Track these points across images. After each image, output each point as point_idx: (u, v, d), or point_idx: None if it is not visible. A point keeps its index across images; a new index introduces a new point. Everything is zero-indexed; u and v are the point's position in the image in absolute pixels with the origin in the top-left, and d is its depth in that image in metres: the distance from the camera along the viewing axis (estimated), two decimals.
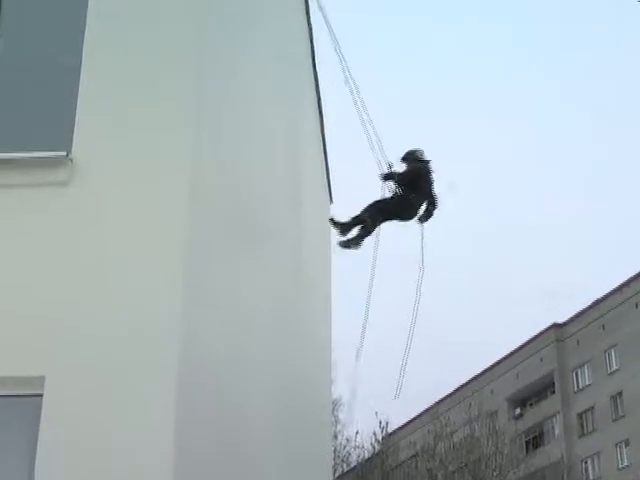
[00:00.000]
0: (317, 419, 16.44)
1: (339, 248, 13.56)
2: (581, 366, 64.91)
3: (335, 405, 37.64)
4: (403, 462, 48.03)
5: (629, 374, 59.40)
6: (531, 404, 68.83)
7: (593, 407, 62.77)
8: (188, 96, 7.70)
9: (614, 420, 60.69)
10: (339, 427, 42.85)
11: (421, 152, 13.63)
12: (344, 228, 13.38)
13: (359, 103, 13.76)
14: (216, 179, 8.51)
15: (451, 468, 42.71)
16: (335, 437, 39.85)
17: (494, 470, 42.87)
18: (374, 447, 43.93)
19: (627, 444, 58.74)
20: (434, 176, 13.63)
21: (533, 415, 67.21)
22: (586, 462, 60.76)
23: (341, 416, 42.80)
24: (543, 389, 67.93)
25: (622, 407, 60.40)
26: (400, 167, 13.62)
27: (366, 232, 13.34)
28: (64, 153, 7.29)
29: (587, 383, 64.25)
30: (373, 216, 13.17)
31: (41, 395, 6.75)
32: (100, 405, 6.73)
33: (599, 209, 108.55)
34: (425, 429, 47.38)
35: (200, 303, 7.65)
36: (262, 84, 11.40)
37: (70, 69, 7.70)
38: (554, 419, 65.80)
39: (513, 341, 71.15)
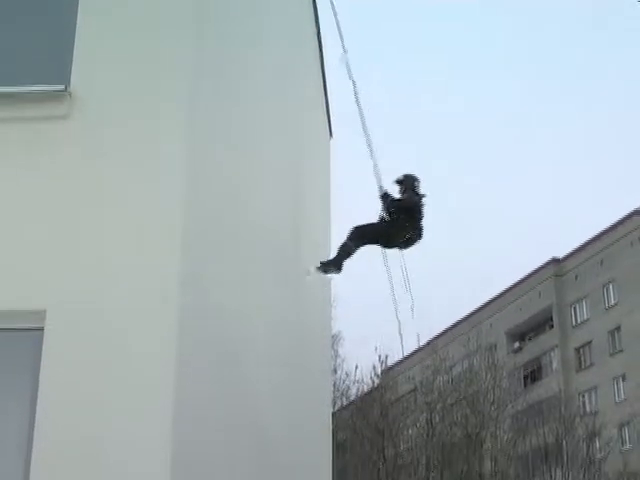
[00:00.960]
0: (317, 352, 16.57)
1: (319, 271, 13.64)
2: (579, 301, 65.20)
3: (334, 339, 37.93)
4: (402, 396, 48.44)
5: (627, 309, 59.70)
6: (529, 338, 69.30)
7: (591, 342, 63.19)
8: (187, 30, 7.65)
9: (611, 355, 61.14)
10: (338, 361, 43.25)
11: (419, 182, 13.62)
12: (335, 264, 13.32)
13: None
14: (217, 113, 8.48)
15: (449, 401, 43.13)
16: (334, 371, 40.23)
17: (492, 403, 43.29)
18: (373, 381, 44.35)
19: (624, 378, 59.23)
20: (425, 210, 13.63)
21: (531, 349, 67.70)
22: (583, 396, 61.32)
23: (340, 350, 43.18)
24: (541, 324, 68.35)
25: (619, 342, 60.80)
26: (395, 189, 13.56)
27: (347, 256, 13.31)
28: (62, 87, 7.27)
29: (585, 318, 64.59)
30: (357, 242, 13.16)
31: (42, 329, 6.80)
32: (102, 337, 6.78)
33: (599, 145, 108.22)
34: (424, 363, 47.68)
35: (201, 228, 7.67)
36: None
37: (68, 2, 7.64)
38: (552, 353, 66.31)
39: (512, 276, 71.47)
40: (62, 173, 7.19)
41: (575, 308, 65.86)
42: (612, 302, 62.16)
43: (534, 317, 68.15)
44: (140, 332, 6.77)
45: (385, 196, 13.51)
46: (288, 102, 13.42)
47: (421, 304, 15.61)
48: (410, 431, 44.09)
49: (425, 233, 13.63)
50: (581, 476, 43.87)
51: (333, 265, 13.34)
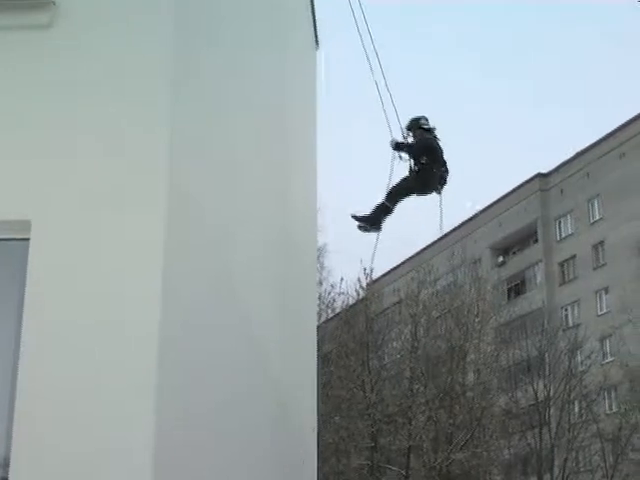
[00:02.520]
0: (303, 264, 16.59)
1: (359, 231, 13.65)
2: (564, 215, 65.39)
3: (320, 252, 38.03)
4: (387, 308, 48.82)
5: (611, 224, 59.93)
6: (514, 252, 69.62)
7: (575, 256, 63.55)
8: None
9: (595, 268, 61.56)
10: (324, 274, 43.45)
11: (425, 119, 13.57)
12: (373, 222, 13.46)
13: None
14: (201, 27, 8.38)
15: (434, 314, 43.42)
16: (320, 283, 40.39)
17: (476, 316, 43.63)
18: (358, 293, 44.59)
19: (607, 291, 59.73)
20: (441, 142, 13.58)
21: (515, 263, 68.07)
22: (566, 309, 61.92)
23: (326, 263, 43.33)
24: (526, 238, 68.63)
25: (603, 256, 61.18)
26: (405, 136, 13.52)
27: (387, 214, 13.43)
28: None
29: (569, 232, 64.87)
30: (394, 200, 13.23)
31: (28, 239, 6.78)
32: (87, 247, 6.77)
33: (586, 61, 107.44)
34: (409, 276, 47.92)
35: (189, 135, 7.62)
36: None
37: None
38: (536, 267, 66.69)
39: (497, 191, 71.53)
40: (43, 81, 7.11)
41: (560, 223, 66.09)
42: (597, 216, 62.39)
43: (519, 232, 68.38)
44: (126, 241, 6.76)
45: (398, 145, 13.45)
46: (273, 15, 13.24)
47: (407, 218, 15.66)
48: (395, 344, 44.49)
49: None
50: (562, 388, 44.47)
51: (372, 223, 13.51)
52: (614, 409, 50.60)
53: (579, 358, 48.67)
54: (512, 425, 45.59)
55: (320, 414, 19.67)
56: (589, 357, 48.45)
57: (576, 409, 47.08)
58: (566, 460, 43.82)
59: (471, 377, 43.11)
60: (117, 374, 6.54)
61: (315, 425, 15.99)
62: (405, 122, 13.64)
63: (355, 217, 13.62)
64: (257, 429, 10.91)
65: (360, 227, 13.57)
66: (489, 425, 42.38)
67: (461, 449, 39.11)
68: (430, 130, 13.52)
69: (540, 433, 44.14)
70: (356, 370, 40.17)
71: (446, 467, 39.18)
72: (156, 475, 6.40)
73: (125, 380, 6.52)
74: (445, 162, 13.54)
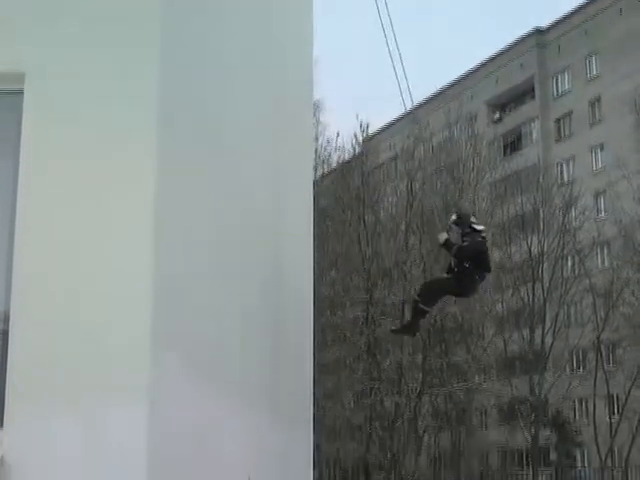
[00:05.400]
0: (298, 118, 16.41)
1: (393, 334, 13.31)
2: (561, 72, 64.79)
3: (316, 107, 37.76)
4: (382, 164, 48.81)
5: (608, 80, 59.45)
6: (510, 109, 69.21)
7: (571, 112, 63.25)
8: None
9: (591, 125, 61.35)
10: (320, 129, 43.26)
11: (475, 217, 13.12)
12: (412, 329, 13.23)
13: None
14: None
15: (429, 170, 43.44)
16: (316, 139, 40.26)
17: (471, 171, 43.67)
18: (354, 149, 44.51)
19: (602, 148, 59.67)
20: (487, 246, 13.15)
21: (512, 120, 67.76)
22: (561, 165, 61.94)
23: (322, 118, 43.10)
24: (522, 94, 68.10)
25: (599, 112, 60.90)
26: (449, 229, 12.79)
27: (422, 316, 13.04)
28: None
29: (566, 89, 64.40)
30: (431, 302, 12.81)
31: (22, 91, 6.67)
32: (81, 98, 6.66)
33: None
34: (405, 133, 47.71)
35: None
36: None
37: None
38: (532, 124, 66.41)
39: (494, 46, 70.67)
40: None
41: (557, 79, 65.53)
42: (594, 73, 61.85)
43: (515, 88, 67.85)
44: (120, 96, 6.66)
45: (448, 244, 13.03)
46: None
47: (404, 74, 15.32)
48: (390, 199, 44.64)
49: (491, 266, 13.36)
50: (556, 244, 44.86)
51: (410, 330, 13.32)
52: (606, 264, 51.20)
53: (573, 214, 48.95)
54: (506, 280, 46.16)
55: (316, 268, 19.81)
56: (583, 213, 48.76)
57: (569, 264, 47.65)
58: (558, 314, 44.56)
59: None
60: (115, 232, 6.49)
61: None
62: (454, 216, 13.19)
63: (396, 331, 13.35)
64: (251, 286, 10.97)
65: (396, 332, 13.28)
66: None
67: (455, 303, 39.63)
68: (480, 231, 13.12)
69: (533, 288, 44.76)
70: (352, 225, 40.41)
71: (440, 321, 39.79)
72: (154, 338, 6.43)
73: (123, 244, 6.48)
74: (490, 267, 13.17)
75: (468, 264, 12.34)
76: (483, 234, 12.85)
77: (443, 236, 13.00)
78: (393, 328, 13.46)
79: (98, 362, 6.24)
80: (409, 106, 16.29)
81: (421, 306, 12.74)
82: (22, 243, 6.54)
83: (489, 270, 13.12)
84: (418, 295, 12.90)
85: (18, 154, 6.63)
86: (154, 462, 6.23)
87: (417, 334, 13.41)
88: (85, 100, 6.67)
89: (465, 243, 12.78)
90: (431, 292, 12.94)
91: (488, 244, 13.55)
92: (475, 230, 12.79)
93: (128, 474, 6.08)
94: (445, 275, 13.07)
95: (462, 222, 12.92)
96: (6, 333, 6.36)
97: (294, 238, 15.92)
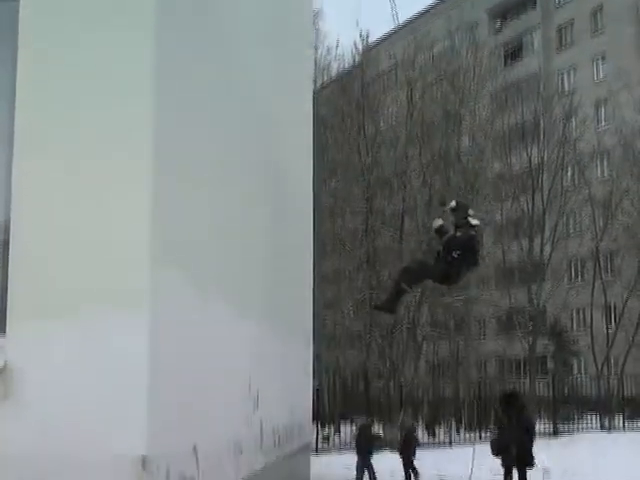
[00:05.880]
0: (296, 25, 16.26)
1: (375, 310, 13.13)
2: None
3: (316, 16, 37.32)
4: (383, 73, 48.33)
5: None
6: (511, 18, 68.35)
7: (572, 21, 62.51)
8: None
9: (592, 34, 60.68)
10: (320, 37, 42.80)
11: (470, 211, 12.99)
12: (390, 307, 13.12)
13: None
14: None
15: (430, 79, 43.05)
16: (315, 49, 39.85)
17: (472, 80, 43.27)
18: (354, 58, 44.09)
19: (603, 58, 59.14)
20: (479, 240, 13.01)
21: (513, 28, 66.95)
22: (562, 75, 61.42)
23: (322, 27, 42.60)
24: (524, 2, 67.20)
25: (601, 22, 60.19)
26: (445, 210, 13.03)
27: (401, 295, 13.00)
28: None
29: None
30: (411, 282, 12.80)
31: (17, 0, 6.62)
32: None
33: None
34: (405, 41, 47.15)
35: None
36: None
37: None
38: (533, 33, 65.68)
39: None
40: None
41: None
42: None
43: None
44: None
45: (441, 231, 12.81)
46: None
47: None
48: (390, 109, 44.33)
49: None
50: (556, 153, 44.69)
51: (387, 308, 13.19)
52: (606, 175, 51.12)
53: (574, 124, 48.64)
54: (505, 189, 46.11)
55: (316, 178, 19.79)
56: (584, 123, 48.46)
57: (569, 174, 47.49)
58: (557, 224, 44.60)
59: (466, 142, 43.24)
60: (116, 136, 6.45)
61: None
62: (451, 203, 12.99)
63: (377, 307, 13.24)
64: (251, 185, 10.97)
65: (375, 309, 13.15)
66: (483, 189, 42.88)
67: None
68: (474, 226, 12.89)
69: (532, 198, 44.68)
70: (352, 134, 40.21)
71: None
72: (154, 244, 6.44)
73: (123, 147, 6.44)
74: (478, 262, 13.18)
75: (457, 255, 12.46)
76: (476, 229, 12.93)
77: (437, 222, 13.10)
78: (375, 304, 13.42)
79: (99, 269, 6.27)
80: (400, 20, 16.15)
81: (403, 286, 12.82)
82: (21, 151, 6.52)
83: (476, 264, 13.28)
84: (399, 277, 12.93)
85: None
86: (155, 367, 6.30)
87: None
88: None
89: (458, 234, 12.88)
90: (412, 275, 12.99)
91: (480, 237, 13.58)
92: (470, 225, 12.87)
93: (130, 379, 6.16)
94: (431, 261, 13.19)
95: (458, 212, 13.06)
96: (7, 243, 6.39)
97: (293, 147, 15.91)
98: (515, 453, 16.36)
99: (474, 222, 12.86)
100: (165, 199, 6.66)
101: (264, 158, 12.16)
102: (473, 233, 12.80)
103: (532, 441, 16.72)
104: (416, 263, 13.19)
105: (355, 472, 22.57)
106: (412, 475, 23.19)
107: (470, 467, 19.34)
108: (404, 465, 23.35)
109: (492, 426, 26.32)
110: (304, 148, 16.98)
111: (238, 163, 9.97)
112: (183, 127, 7.25)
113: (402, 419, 27.77)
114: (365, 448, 22.91)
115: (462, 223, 12.74)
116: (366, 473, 22.61)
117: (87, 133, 6.46)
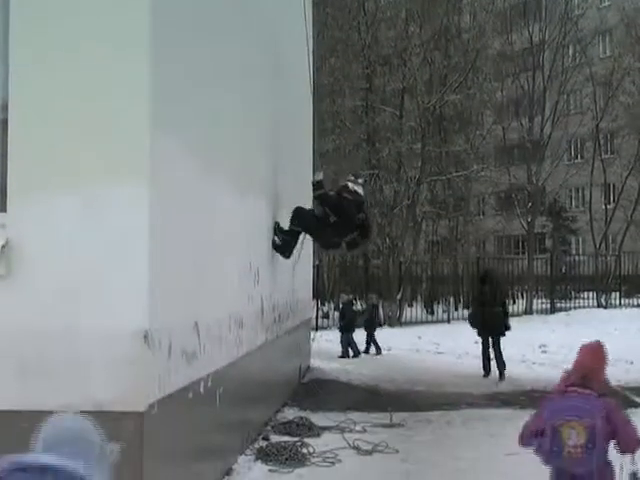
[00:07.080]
0: None
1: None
2: None
3: None
4: None
5: None
6: None
7: None
8: None
9: None
10: None
11: (361, 178, 13.03)
12: (286, 250, 12.82)
13: None
14: None
15: None
16: None
17: None
18: None
19: None
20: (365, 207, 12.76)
21: None
22: None
23: None
24: None
25: None
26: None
27: (296, 237, 12.79)
28: None
29: None
30: (298, 225, 12.64)
31: None
32: None
33: None
34: None
35: None
36: None
37: None
38: None
39: None
40: None
41: None
42: None
43: None
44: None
45: (318, 185, 12.57)
46: None
47: None
48: None
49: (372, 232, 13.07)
50: (557, 31, 44.06)
51: (285, 251, 12.85)
52: (608, 53, 50.54)
53: (576, 1, 47.89)
54: (506, 68, 45.68)
55: (315, 55, 19.58)
56: (586, 0, 47.71)
57: (570, 52, 46.90)
58: (557, 102, 44.27)
59: (467, 19, 42.65)
60: (111, 38, 6.38)
61: None
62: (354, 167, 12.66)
63: (274, 247, 12.78)
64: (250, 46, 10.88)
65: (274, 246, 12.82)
66: (483, 67, 42.49)
67: (455, 91, 39.40)
68: (358, 193, 12.70)
69: (533, 76, 44.27)
70: (352, 11, 39.60)
71: (439, 108, 39.66)
72: (154, 118, 6.43)
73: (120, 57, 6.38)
74: (368, 235, 12.98)
75: (333, 220, 12.39)
76: (358, 199, 12.76)
77: (319, 175, 12.96)
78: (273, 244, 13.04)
79: (98, 142, 6.27)
80: None
81: (294, 227, 12.78)
82: (19, 30, 6.47)
83: (367, 237, 13.17)
84: (291, 217, 12.79)
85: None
86: (155, 239, 6.36)
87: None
88: None
89: (331, 192, 12.82)
90: (300, 220, 12.82)
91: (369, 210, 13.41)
92: (357, 193, 12.79)
93: (131, 253, 6.22)
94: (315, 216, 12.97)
95: (354, 176, 13.20)
96: (5, 122, 6.38)
97: (292, 23, 15.71)
98: (490, 325, 18.46)
99: (351, 187, 12.80)
100: (165, 70, 6.63)
101: (265, 33, 12.04)
102: (348, 197, 12.67)
103: (507, 314, 18.97)
104: (305, 210, 13.04)
105: (340, 347, 23.43)
106: (375, 349, 24.18)
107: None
108: (367, 339, 24.36)
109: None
110: (303, 24, 16.76)
111: (238, 36, 9.88)
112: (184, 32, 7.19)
113: (368, 296, 28.72)
114: (348, 324, 23.81)
115: (352, 190, 12.76)
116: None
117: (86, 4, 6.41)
